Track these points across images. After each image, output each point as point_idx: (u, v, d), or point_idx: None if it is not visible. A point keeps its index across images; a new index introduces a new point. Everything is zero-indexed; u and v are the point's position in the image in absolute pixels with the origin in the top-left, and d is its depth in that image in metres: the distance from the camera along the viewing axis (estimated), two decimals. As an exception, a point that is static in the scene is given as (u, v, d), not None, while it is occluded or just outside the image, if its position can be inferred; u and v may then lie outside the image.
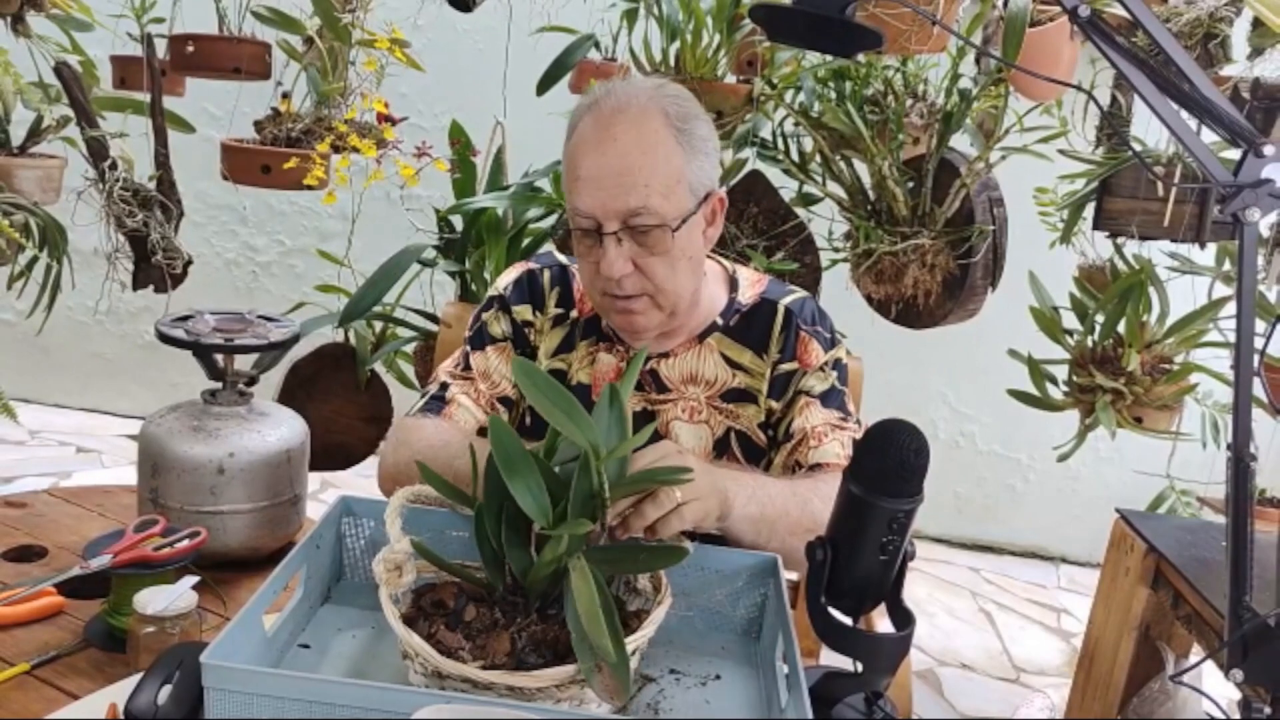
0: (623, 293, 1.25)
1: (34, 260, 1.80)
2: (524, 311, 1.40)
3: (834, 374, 1.37)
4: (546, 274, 1.41)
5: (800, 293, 1.42)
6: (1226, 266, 2.25)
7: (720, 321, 1.37)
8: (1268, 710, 0.90)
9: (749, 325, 1.37)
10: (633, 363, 1.11)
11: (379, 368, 2.23)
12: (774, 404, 1.36)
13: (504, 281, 1.43)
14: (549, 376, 1.01)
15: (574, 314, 1.39)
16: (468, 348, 1.42)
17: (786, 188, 2.23)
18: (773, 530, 1.19)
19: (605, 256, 1.22)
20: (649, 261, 1.23)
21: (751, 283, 1.41)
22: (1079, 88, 1.16)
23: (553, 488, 0.95)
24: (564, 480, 0.96)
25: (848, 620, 0.98)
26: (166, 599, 1.02)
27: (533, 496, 0.93)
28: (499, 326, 1.41)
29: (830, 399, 1.36)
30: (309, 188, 1.93)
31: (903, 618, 0.97)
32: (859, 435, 1.26)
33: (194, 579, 1.07)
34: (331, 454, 2.18)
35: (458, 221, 2.17)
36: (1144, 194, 2.03)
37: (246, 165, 1.98)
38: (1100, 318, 2.13)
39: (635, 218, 1.20)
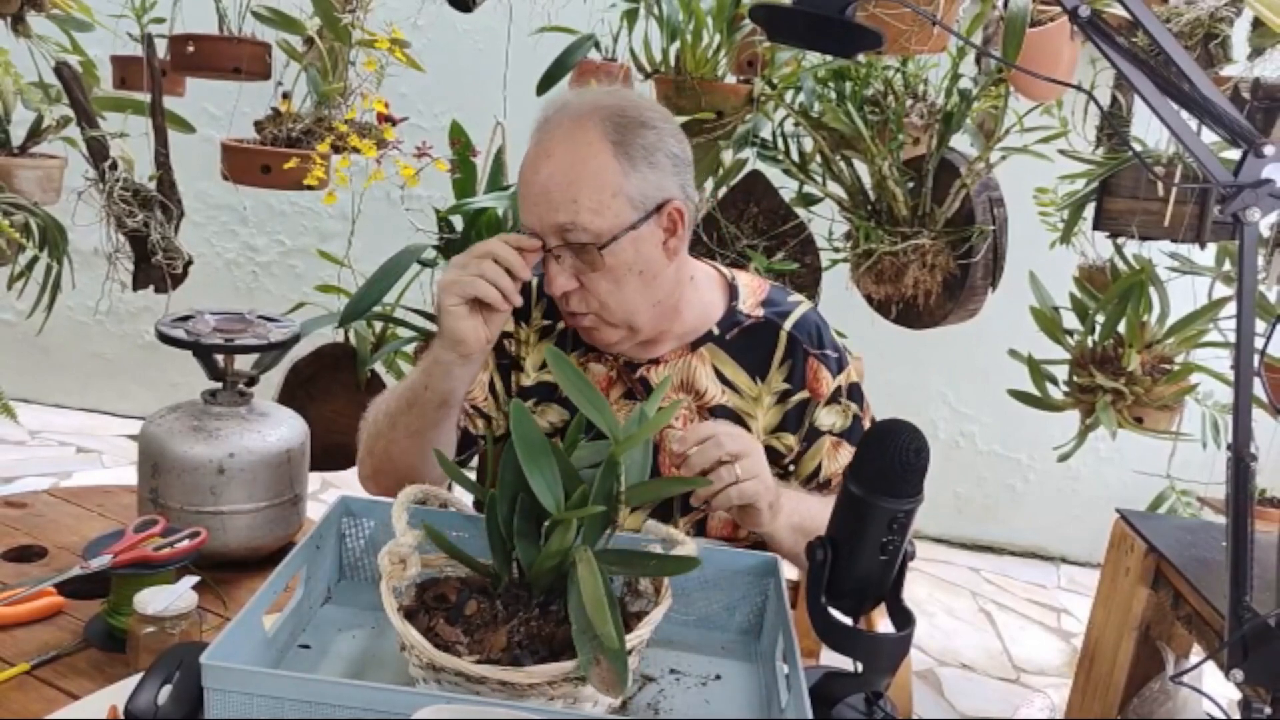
0: (569, 309, 1.24)
1: (34, 260, 1.80)
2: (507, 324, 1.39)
3: (853, 405, 1.34)
4: (535, 282, 1.37)
5: (802, 306, 1.37)
6: (1226, 266, 2.25)
7: (716, 331, 1.33)
8: (1268, 710, 0.90)
9: (747, 345, 1.33)
10: (658, 388, 1.11)
11: (379, 368, 2.22)
12: (790, 438, 1.33)
13: None
14: (576, 367, 1.02)
15: (561, 325, 1.36)
16: None
17: (786, 188, 2.23)
18: None
19: (547, 273, 1.21)
20: (591, 279, 1.20)
21: (751, 290, 1.37)
22: (1079, 88, 1.15)
23: (569, 484, 0.95)
24: (581, 480, 0.96)
25: (848, 620, 0.98)
26: (166, 599, 1.02)
27: (548, 487, 0.93)
28: None
29: (854, 435, 1.33)
30: (309, 188, 1.93)
31: (903, 618, 0.97)
32: None
33: (194, 579, 1.07)
34: (331, 454, 2.17)
35: (458, 222, 2.17)
36: (1144, 194, 2.03)
37: (247, 165, 1.98)
38: (1100, 318, 2.13)
39: (568, 234, 1.18)
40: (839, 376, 1.34)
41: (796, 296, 1.39)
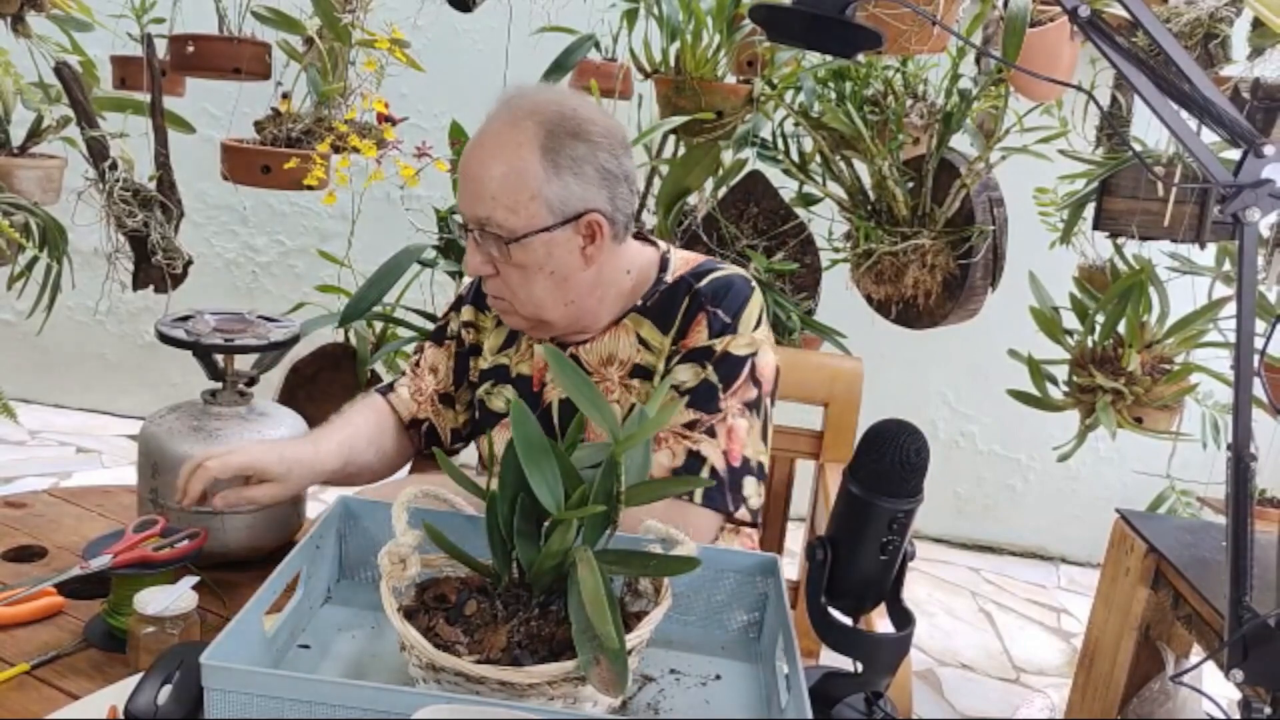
0: (485, 290, 1.31)
1: (34, 260, 1.81)
2: (468, 312, 1.45)
3: (710, 372, 1.27)
4: None
5: (728, 273, 1.33)
6: (1226, 266, 2.25)
7: (640, 303, 1.34)
8: (1268, 710, 0.90)
9: (663, 306, 1.33)
10: (660, 387, 1.11)
11: (379, 368, 2.23)
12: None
13: (467, 279, 1.49)
14: (575, 365, 1.02)
15: None
16: (429, 340, 1.50)
17: (786, 188, 2.23)
18: None
19: (466, 254, 1.26)
20: (504, 268, 1.25)
21: (684, 262, 1.37)
22: (1079, 88, 1.15)
23: (569, 484, 0.95)
24: (581, 480, 0.96)
25: (848, 620, 0.98)
26: (166, 599, 1.02)
27: (549, 488, 0.93)
28: (454, 325, 1.47)
29: (700, 402, 1.26)
30: (309, 188, 1.94)
31: (903, 618, 0.97)
32: (725, 450, 1.23)
33: (194, 579, 1.07)
34: (331, 454, 2.17)
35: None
36: (1144, 194, 2.03)
37: (247, 165, 1.98)
38: (1100, 318, 2.13)
39: (484, 225, 1.22)
40: (716, 339, 1.28)
41: (732, 269, 1.35)
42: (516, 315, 1.30)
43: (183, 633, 1.03)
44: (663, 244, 1.40)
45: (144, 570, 1.09)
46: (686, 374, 1.28)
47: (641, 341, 1.33)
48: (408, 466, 1.56)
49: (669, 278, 1.35)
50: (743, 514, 1.26)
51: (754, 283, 1.34)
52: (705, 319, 1.29)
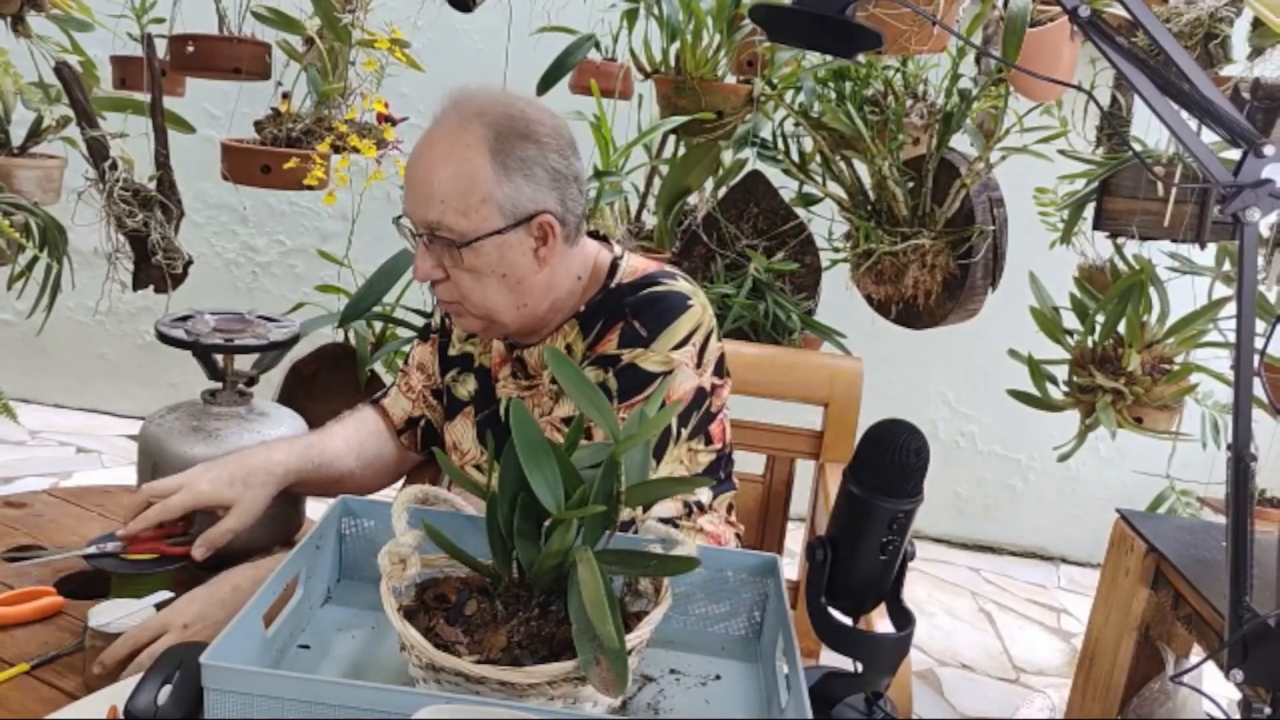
0: (436, 294, 1.29)
1: (34, 260, 1.81)
2: None
3: (612, 377, 1.25)
4: None
5: (667, 288, 1.29)
6: (1226, 266, 2.25)
7: (582, 309, 1.32)
8: (1268, 710, 0.90)
9: (595, 311, 1.32)
10: (659, 387, 1.11)
11: (379, 368, 2.23)
12: None
13: None
14: (576, 366, 1.02)
15: None
16: (417, 339, 1.50)
17: (786, 188, 2.23)
18: None
19: (416, 259, 1.25)
20: (456, 272, 1.23)
21: (631, 270, 1.34)
22: (1079, 88, 1.15)
23: (569, 484, 0.95)
24: (581, 480, 0.96)
25: (848, 620, 0.98)
26: (119, 612, 1.00)
27: (549, 488, 0.93)
28: (438, 317, 1.48)
29: None
30: (309, 188, 1.94)
31: (903, 618, 0.98)
32: None
33: (164, 595, 1.06)
34: (331, 454, 2.17)
35: (458, 221, 2.17)
36: (1144, 194, 2.03)
37: (247, 165, 1.98)
38: (1100, 318, 2.13)
39: (435, 229, 1.21)
40: (625, 349, 1.27)
41: (677, 286, 1.30)
42: (469, 317, 1.28)
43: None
44: (618, 248, 1.38)
45: (143, 570, 1.10)
46: (589, 377, 1.26)
47: (568, 348, 1.33)
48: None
49: (613, 285, 1.33)
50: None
51: (695, 303, 1.29)
52: (620, 329, 1.28)
